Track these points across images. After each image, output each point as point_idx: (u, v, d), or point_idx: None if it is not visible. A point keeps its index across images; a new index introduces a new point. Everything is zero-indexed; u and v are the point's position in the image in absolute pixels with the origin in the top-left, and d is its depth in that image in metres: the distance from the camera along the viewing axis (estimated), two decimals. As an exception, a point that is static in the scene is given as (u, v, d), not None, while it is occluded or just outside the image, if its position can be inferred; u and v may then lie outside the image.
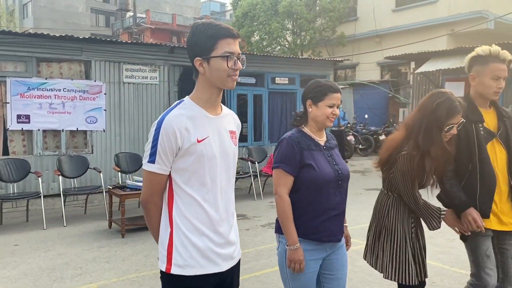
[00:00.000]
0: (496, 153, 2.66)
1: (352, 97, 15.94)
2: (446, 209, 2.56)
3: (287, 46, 18.42)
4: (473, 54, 2.74)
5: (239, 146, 8.14)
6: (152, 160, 1.71)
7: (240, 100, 9.34)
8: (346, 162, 12.41)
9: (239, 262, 1.94)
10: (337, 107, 2.38)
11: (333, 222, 2.34)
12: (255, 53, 10.55)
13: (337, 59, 10.45)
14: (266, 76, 9.45)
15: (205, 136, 1.75)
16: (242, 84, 9.17)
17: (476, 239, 2.62)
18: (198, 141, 1.73)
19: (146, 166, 1.73)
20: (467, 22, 15.14)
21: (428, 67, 9.59)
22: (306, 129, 2.42)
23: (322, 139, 2.42)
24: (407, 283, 2.49)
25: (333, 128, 11.54)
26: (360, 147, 14.05)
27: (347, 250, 2.53)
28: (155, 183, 1.75)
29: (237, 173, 7.98)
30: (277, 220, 2.40)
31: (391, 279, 2.53)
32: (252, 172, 8.06)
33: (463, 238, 2.70)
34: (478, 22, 14.87)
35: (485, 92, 2.66)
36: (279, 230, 2.38)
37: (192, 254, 1.73)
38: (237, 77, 1.78)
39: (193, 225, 1.74)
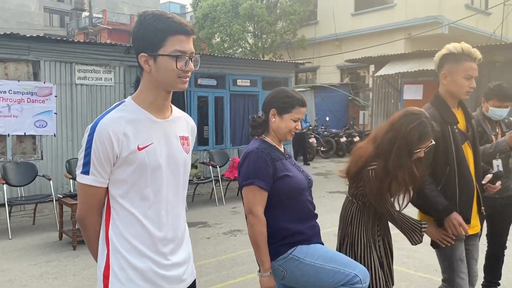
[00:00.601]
0: (467, 155, 2.58)
1: (313, 99, 15.99)
2: (426, 222, 2.43)
3: (248, 48, 18.29)
4: (444, 51, 2.62)
5: (200, 150, 7.87)
6: (85, 170, 1.49)
7: (200, 103, 9.08)
8: (308, 164, 12.39)
9: (194, 283, 1.71)
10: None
11: (316, 228, 2.28)
12: (216, 54, 10.33)
13: (299, 62, 10.38)
14: (228, 78, 9.23)
15: (148, 142, 1.53)
16: (202, 86, 8.92)
17: (452, 244, 2.52)
18: (139, 149, 1.51)
19: (79, 177, 1.51)
20: (423, 26, 15.54)
21: (388, 70, 9.69)
22: (268, 139, 2.27)
23: (281, 148, 2.33)
24: None
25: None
26: (321, 149, 14.08)
27: None
28: (91, 197, 1.52)
29: (198, 178, 7.72)
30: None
31: None
32: (214, 176, 7.81)
33: (434, 244, 2.59)
34: (434, 27, 15.29)
35: (457, 92, 2.57)
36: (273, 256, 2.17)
37: (132, 277, 1.50)
38: (188, 79, 1.56)
39: (132, 245, 1.52)
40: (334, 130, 14.74)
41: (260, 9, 16.92)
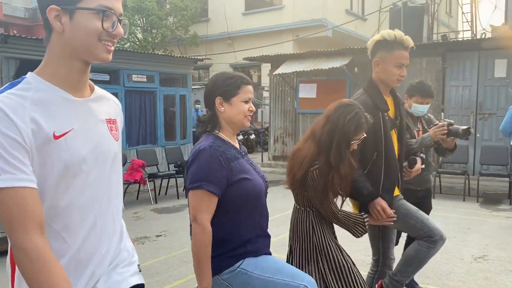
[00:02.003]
0: (394, 142, 2.65)
1: (207, 97, 15.82)
2: (366, 214, 2.42)
3: (137, 43, 17.39)
4: (378, 37, 2.66)
5: None
6: None
7: (92, 100, 8.31)
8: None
9: None
10: (252, 103, 2.01)
11: (268, 238, 2.06)
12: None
13: (198, 58, 10.10)
14: (122, 73, 8.59)
15: (67, 129, 1.17)
16: (93, 82, 8.12)
17: (399, 202, 2.64)
18: (55, 137, 1.14)
19: None
20: (309, 29, 16.30)
21: (285, 69, 9.92)
22: (221, 134, 1.97)
23: (236, 144, 2.03)
24: None
25: (193, 129, 11.17)
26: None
27: None
28: (17, 208, 1.06)
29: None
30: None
31: None
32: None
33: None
34: (319, 29, 16.14)
35: (388, 79, 2.61)
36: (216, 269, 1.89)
37: None
38: (113, 47, 1.22)
39: None
40: (230, 128, 14.73)
41: (150, 3, 16.17)
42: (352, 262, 2.34)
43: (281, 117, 11.13)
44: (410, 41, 2.59)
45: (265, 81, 17.20)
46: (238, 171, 1.88)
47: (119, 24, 1.19)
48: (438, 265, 4.26)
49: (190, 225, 1.93)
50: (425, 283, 3.79)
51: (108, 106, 1.34)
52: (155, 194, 7.68)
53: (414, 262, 2.75)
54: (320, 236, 2.31)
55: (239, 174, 1.88)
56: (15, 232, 1.07)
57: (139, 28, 17.44)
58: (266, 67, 15.56)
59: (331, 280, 2.26)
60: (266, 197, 2.04)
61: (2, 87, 1.16)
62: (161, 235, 5.58)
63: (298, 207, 2.40)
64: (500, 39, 8.39)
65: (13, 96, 1.11)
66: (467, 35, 14.21)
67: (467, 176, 7.24)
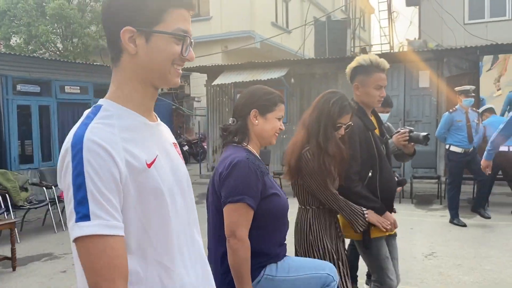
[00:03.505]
0: (385, 157, 2.78)
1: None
2: (366, 210, 2.51)
3: (58, 52, 16.37)
4: (354, 64, 2.80)
5: (23, 169, 6.80)
6: (84, 214, 0.94)
7: (21, 113, 7.66)
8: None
9: None
10: None
11: (285, 245, 2.10)
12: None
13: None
14: (54, 84, 8.05)
15: (154, 156, 1.09)
16: (23, 93, 7.57)
17: (379, 243, 2.67)
18: (148, 166, 1.06)
19: (78, 230, 0.94)
20: (238, 40, 16.53)
21: (223, 79, 9.95)
22: (251, 148, 1.95)
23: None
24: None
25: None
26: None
27: None
28: (108, 257, 0.94)
29: (29, 202, 6.46)
30: (224, 279, 1.87)
31: None
32: (49, 199, 6.65)
33: (366, 244, 2.70)
34: (247, 41, 16.43)
35: (370, 101, 2.76)
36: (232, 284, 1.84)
37: None
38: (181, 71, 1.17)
39: None
40: (161, 140, 14.38)
41: (71, 11, 15.32)
42: (346, 265, 2.43)
43: (219, 128, 11.12)
44: (385, 64, 2.74)
45: (196, 91, 17.09)
46: (270, 186, 1.88)
47: (191, 48, 1.14)
48: (397, 264, 4.53)
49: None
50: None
51: (167, 129, 1.27)
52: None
53: None
54: (316, 233, 2.37)
55: (270, 189, 1.88)
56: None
57: (59, 37, 16.45)
58: (197, 78, 15.47)
59: None
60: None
61: (83, 117, 1.06)
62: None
63: (300, 206, 2.47)
64: (422, 53, 9.19)
65: (103, 128, 1.01)
66: (385, 48, 15.32)
67: (401, 179, 7.77)
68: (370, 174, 2.65)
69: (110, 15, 1.09)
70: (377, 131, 2.83)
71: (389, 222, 2.55)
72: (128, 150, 1.03)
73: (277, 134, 2.00)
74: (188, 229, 1.18)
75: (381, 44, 15.60)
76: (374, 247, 2.66)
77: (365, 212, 2.45)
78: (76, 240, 0.96)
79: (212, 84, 10.32)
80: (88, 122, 1.03)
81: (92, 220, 0.94)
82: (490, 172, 4.29)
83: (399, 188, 3.00)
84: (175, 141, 1.28)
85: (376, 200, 2.61)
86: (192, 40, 1.14)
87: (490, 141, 4.14)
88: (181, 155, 1.28)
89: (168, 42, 1.08)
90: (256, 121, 1.94)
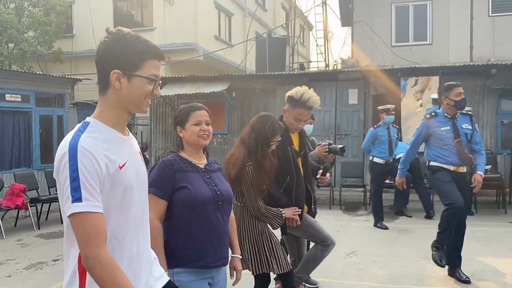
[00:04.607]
0: (299, 167, 3.40)
1: (77, 117, 15.10)
2: (283, 209, 3.08)
3: (-8, 57, 15.77)
4: (290, 93, 3.35)
5: None
6: (77, 197, 1.35)
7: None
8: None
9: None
10: (206, 124, 2.41)
11: (218, 245, 2.33)
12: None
13: (77, 77, 9.83)
14: (-7, 92, 7.99)
15: (124, 161, 1.51)
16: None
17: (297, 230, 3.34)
18: (120, 167, 1.48)
19: (74, 208, 1.35)
20: (181, 52, 16.76)
21: (167, 91, 10.26)
22: (183, 154, 2.42)
23: (201, 162, 2.42)
24: (267, 271, 2.96)
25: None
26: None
27: (235, 283, 2.58)
28: (94, 227, 1.36)
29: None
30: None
31: (254, 272, 2.95)
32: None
33: (284, 232, 3.32)
34: (191, 53, 16.74)
35: (290, 126, 3.34)
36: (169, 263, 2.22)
37: None
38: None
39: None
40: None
41: (8, 15, 14.90)
42: (273, 248, 2.98)
43: (162, 137, 11.40)
44: (313, 102, 3.24)
45: (137, 101, 17.09)
46: (181, 180, 2.26)
47: (158, 87, 1.60)
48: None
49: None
50: (313, 277, 4.55)
51: (135, 141, 1.70)
52: (38, 219, 7.29)
53: (312, 261, 3.51)
54: (246, 224, 2.96)
55: (180, 183, 2.25)
56: (90, 246, 1.36)
57: (-7, 42, 15.87)
58: (139, 88, 15.52)
59: (251, 260, 2.94)
60: (221, 206, 2.34)
61: (75, 130, 1.48)
62: (58, 259, 5.45)
63: (235, 201, 2.96)
64: (352, 73, 10.07)
65: (90, 139, 1.44)
66: (321, 65, 16.31)
67: (331, 188, 8.52)
68: (288, 179, 3.23)
69: (104, 59, 1.50)
70: (296, 146, 3.41)
71: (295, 211, 3.18)
72: (107, 156, 1.45)
73: (204, 135, 2.37)
74: (141, 215, 1.64)
75: (318, 61, 16.60)
76: (296, 230, 3.33)
77: (282, 211, 3.03)
78: (71, 215, 1.36)
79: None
80: (80, 134, 1.45)
81: (83, 201, 1.36)
82: (405, 187, 4.96)
83: (327, 176, 3.59)
84: (140, 151, 1.72)
85: (284, 199, 3.18)
86: (160, 81, 1.59)
87: (401, 161, 4.81)
88: (143, 161, 1.72)
89: (143, 83, 1.52)
90: (181, 134, 2.41)
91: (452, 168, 4.41)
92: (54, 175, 1.46)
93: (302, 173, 3.40)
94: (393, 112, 7.27)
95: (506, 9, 12.65)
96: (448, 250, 4.43)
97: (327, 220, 7.34)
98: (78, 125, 1.51)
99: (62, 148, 1.42)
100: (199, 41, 17.51)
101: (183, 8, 17.45)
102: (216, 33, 19.36)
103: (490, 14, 12.76)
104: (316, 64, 17.42)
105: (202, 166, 2.41)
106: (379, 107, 7.41)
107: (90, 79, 9.97)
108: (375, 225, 7.05)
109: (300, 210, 3.25)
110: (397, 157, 7.03)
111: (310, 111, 3.30)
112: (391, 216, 7.74)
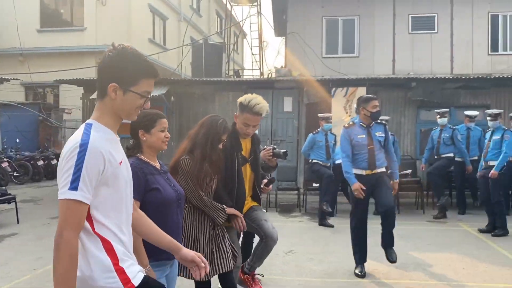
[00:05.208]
0: (246, 172, 3.64)
1: (-1, 118, 14.21)
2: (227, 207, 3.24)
3: None
4: (240, 99, 3.54)
5: None
6: (74, 186, 1.54)
7: None
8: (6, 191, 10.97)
9: None
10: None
11: (178, 239, 2.48)
12: None
13: (4, 77, 9.30)
14: None
15: (122, 158, 1.74)
16: None
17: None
18: (119, 163, 1.71)
19: (67, 194, 1.54)
20: (114, 54, 16.37)
21: (102, 93, 10.01)
22: (143, 157, 2.57)
23: (157, 164, 2.61)
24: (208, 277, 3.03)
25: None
26: (15, 174, 12.68)
27: None
28: (78, 215, 1.57)
29: None
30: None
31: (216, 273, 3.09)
32: None
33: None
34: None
35: (240, 132, 3.54)
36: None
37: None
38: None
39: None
40: (28, 153, 13.54)
41: None
42: (221, 250, 3.13)
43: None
44: (260, 109, 3.43)
45: (65, 102, 16.40)
46: (152, 182, 2.44)
47: (148, 102, 1.79)
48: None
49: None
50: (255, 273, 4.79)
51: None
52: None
53: (260, 254, 3.73)
54: (190, 227, 3.09)
55: (152, 185, 2.44)
56: (68, 228, 1.54)
57: None
58: (67, 90, 14.93)
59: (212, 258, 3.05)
60: (180, 204, 2.59)
61: (83, 129, 1.65)
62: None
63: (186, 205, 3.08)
64: (287, 82, 10.54)
65: (98, 137, 1.63)
66: (256, 73, 16.74)
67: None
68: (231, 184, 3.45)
69: (106, 71, 1.70)
70: (246, 152, 3.61)
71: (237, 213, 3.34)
72: (111, 153, 1.65)
73: (165, 141, 2.59)
74: (130, 206, 1.83)
75: (253, 69, 17.02)
76: (250, 216, 3.57)
77: (225, 208, 3.18)
78: (63, 199, 1.55)
79: (90, 97, 10.30)
80: (88, 133, 1.63)
81: (78, 191, 1.55)
82: (364, 195, 4.85)
83: (270, 187, 3.85)
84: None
85: (229, 201, 3.35)
86: (150, 97, 1.78)
87: (344, 171, 5.02)
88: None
89: (136, 98, 1.72)
90: (144, 138, 2.55)
91: (364, 172, 4.89)
92: (60, 161, 1.62)
93: (248, 178, 3.62)
94: (331, 120, 7.83)
95: (424, 28, 13.90)
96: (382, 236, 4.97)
97: (264, 222, 7.63)
98: (83, 126, 1.70)
99: (74, 142, 1.60)
100: (132, 43, 16.80)
101: (116, 9, 17.10)
102: (151, 36, 19.15)
103: (410, 32, 13.95)
104: (251, 72, 17.80)
105: (158, 167, 2.59)
106: (319, 115, 7.93)
107: (19, 79, 9.45)
108: (320, 223, 7.52)
109: (241, 214, 3.41)
110: (337, 162, 7.58)
111: (257, 117, 3.46)
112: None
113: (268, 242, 3.62)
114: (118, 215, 1.71)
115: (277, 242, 3.68)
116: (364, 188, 4.77)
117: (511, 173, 7.14)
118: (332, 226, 7.37)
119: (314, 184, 8.52)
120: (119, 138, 1.81)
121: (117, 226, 1.70)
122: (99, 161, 1.59)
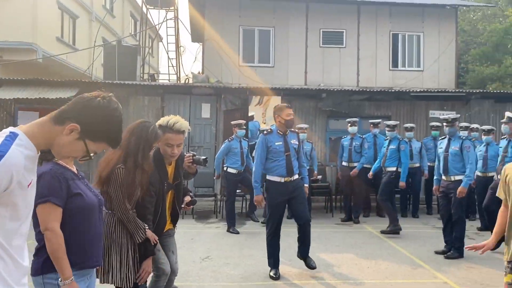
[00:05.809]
0: (170, 197, 3.57)
1: None
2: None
3: None
4: (158, 122, 3.39)
5: None
6: None
7: None
8: None
9: None
10: None
11: (99, 246, 2.51)
12: None
13: None
14: None
15: (31, 180, 1.59)
16: None
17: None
18: (28, 186, 1.57)
19: None
20: (17, 52, 15.21)
21: (4, 94, 9.25)
22: (60, 162, 2.45)
23: (74, 169, 2.50)
24: (129, 286, 3.01)
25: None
26: None
27: None
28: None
29: None
30: (37, 262, 2.28)
31: (116, 285, 3.00)
32: None
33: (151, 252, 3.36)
34: (28, 53, 15.28)
35: (165, 155, 3.41)
36: (44, 269, 2.26)
37: None
38: None
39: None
40: None
41: None
42: (137, 262, 3.08)
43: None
44: (180, 126, 3.34)
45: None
46: (74, 188, 2.35)
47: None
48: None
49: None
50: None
51: None
52: None
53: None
54: (119, 234, 3.01)
55: (74, 190, 2.35)
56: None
57: None
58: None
59: (116, 274, 2.97)
60: (101, 210, 2.53)
61: (5, 136, 1.51)
62: None
63: (106, 211, 2.99)
64: (205, 88, 10.57)
65: (18, 152, 1.50)
66: (173, 77, 16.54)
67: (184, 198, 8.78)
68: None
69: (82, 110, 1.66)
70: (171, 177, 3.53)
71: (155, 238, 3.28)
72: (23, 174, 1.54)
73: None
74: (26, 232, 1.69)
75: (169, 74, 16.79)
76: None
77: (146, 228, 3.11)
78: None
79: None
80: (9, 144, 1.50)
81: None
82: (265, 203, 5.30)
83: (190, 207, 3.87)
84: None
85: (150, 223, 3.28)
86: (92, 156, 1.75)
87: (253, 180, 5.26)
88: None
89: (82, 150, 1.70)
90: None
91: (283, 180, 5.12)
92: None
93: (169, 199, 3.55)
94: (244, 127, 7.98)
95: (333, 42, 14.81)
96: (299, 247, 5.30)
97: (180, 229, 7.56)
98: (6, 132, 1.54)
99: None
100: (38, 41, 16.05)
101: (20, 3, 15.85)
102: (59, 35, 18.02)
103: (321, 45, 14.76)
104: (167, 76, 17.53)
105: (76, 172, 2.50)
106: (232, 122, 8.04)
107: None
108: (228, 230, 7.55)
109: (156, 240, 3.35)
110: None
111: (180, 135, 3.36)
112: (240, 222, 8.36)
113: (160, 277, 3.50)
114: (9, 240, 1.56)
115: (176, 275, 3.74)
116: (265, 203, 5.30)
117: (397, 180, 7.82)
118: (238, 233, 7.50)
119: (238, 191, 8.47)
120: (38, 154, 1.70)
121: (13, 241, 1.57)
122: (5, 179, 1.45)
